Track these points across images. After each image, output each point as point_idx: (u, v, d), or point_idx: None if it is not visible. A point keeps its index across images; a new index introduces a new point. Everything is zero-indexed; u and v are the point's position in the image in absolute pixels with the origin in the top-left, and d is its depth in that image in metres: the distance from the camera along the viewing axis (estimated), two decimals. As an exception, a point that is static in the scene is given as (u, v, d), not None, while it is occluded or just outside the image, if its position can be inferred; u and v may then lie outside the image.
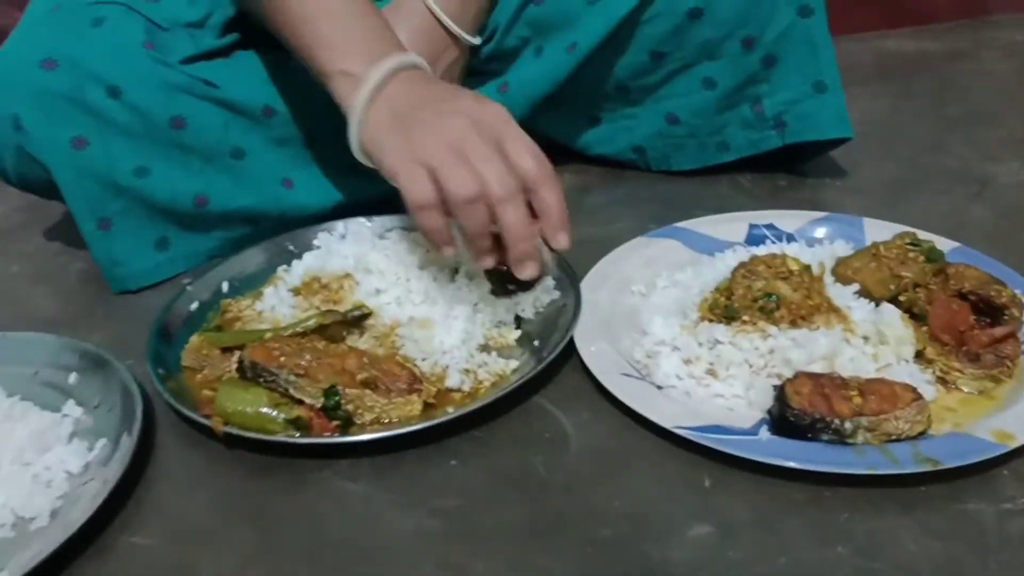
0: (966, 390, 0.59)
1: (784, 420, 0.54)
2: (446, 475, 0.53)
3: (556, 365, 0.61)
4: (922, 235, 0.70)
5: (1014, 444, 0.52)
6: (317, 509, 0.52)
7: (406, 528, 0.50)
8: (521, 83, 0.88)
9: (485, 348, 0.63)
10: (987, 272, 0.66)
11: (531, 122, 0.91)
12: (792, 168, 0.91)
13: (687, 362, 0.61)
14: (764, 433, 0.54)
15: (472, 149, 0.58)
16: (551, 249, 0.61)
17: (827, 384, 0.56)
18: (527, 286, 0.65)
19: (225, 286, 0.73)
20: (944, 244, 0.71)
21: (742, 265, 0.66)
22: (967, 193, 0.85)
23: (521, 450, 0.55)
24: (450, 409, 0.57)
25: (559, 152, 0.95)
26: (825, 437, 0.53)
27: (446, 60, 0.85)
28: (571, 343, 0.62)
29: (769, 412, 0.56)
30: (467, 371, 0.61)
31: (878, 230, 0.74)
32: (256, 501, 0.53)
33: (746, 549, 0.46)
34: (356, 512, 0.51)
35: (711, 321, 0.64)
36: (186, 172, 0.76)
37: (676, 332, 0.63)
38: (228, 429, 0.55)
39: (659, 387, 0.59)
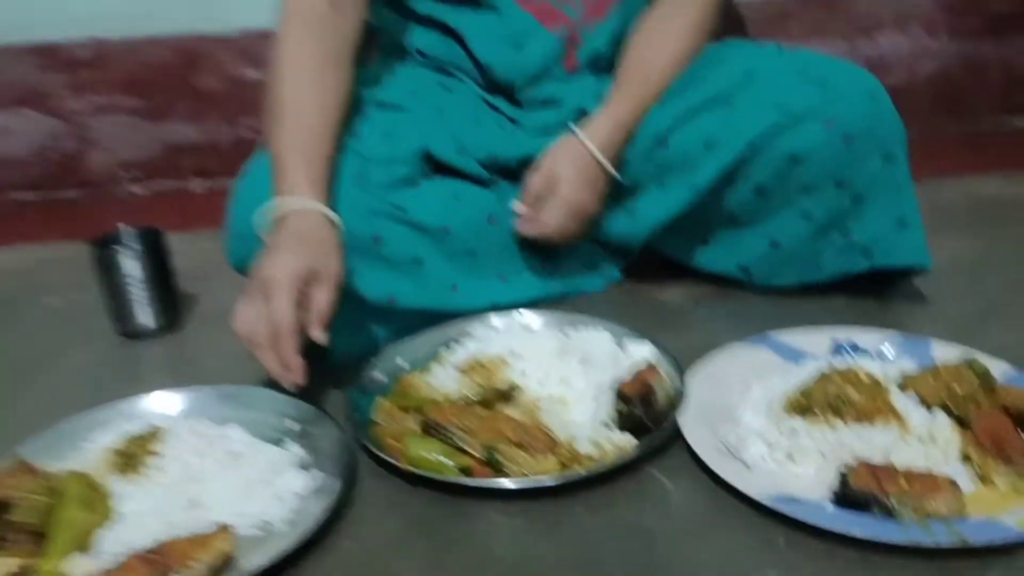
0: (1001, 487, 0.71)
1: (844, 496, 0.68)
2: (576, 518, 0.70)
3: (666, 444, 0.77)
4: (984, 358, 0.82)
5: None
6: (478, 534, 0.69)
7: (546, 552, 0.66)
8: (646, 211, 1.06)
9: (609, 426, 0.80)
10: (1032, 391, 0.78)
11: (653, 242, 1.09)
12: (880, 292, 1.04)
13: (770, 447, 0.75)
14: (828, 506, 0.68)
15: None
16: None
17: (880, 471, 0.69)
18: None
19: (403, 362, 0.92)
20: (1005, 369, 0.83)
21: (821, 373, 0.81)
22: (1024, 324, 0.97)
23: (636, 504, 0.71)
24: (580, 469, 0.74)
25: (676, 268, 1.12)
26: (876, 511, 0.66)
27: (599, 188, 1.04)
28: (679, 427, 0.78)
29: (833, 490, 0.70)
30: (595, 442, 0.77)
31: (945, 352, 0.87)
32: (433, 525, 0.70)
33: None
34: (506, 538, 0.68)
35: (792, 415, 0.78)
36: (382, 276, 0.95)
37: (763, 423, 0.78)
38: (413, 469, 0.74)
39: (747, 465, 0.74)
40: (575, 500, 0.72)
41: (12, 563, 0.67)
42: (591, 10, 1.07)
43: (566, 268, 1.10)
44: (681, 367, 0.86)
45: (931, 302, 1.04)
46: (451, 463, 0.74)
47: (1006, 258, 1.18)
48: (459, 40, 1.09)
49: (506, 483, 0.73)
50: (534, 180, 1.04)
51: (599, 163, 1.03)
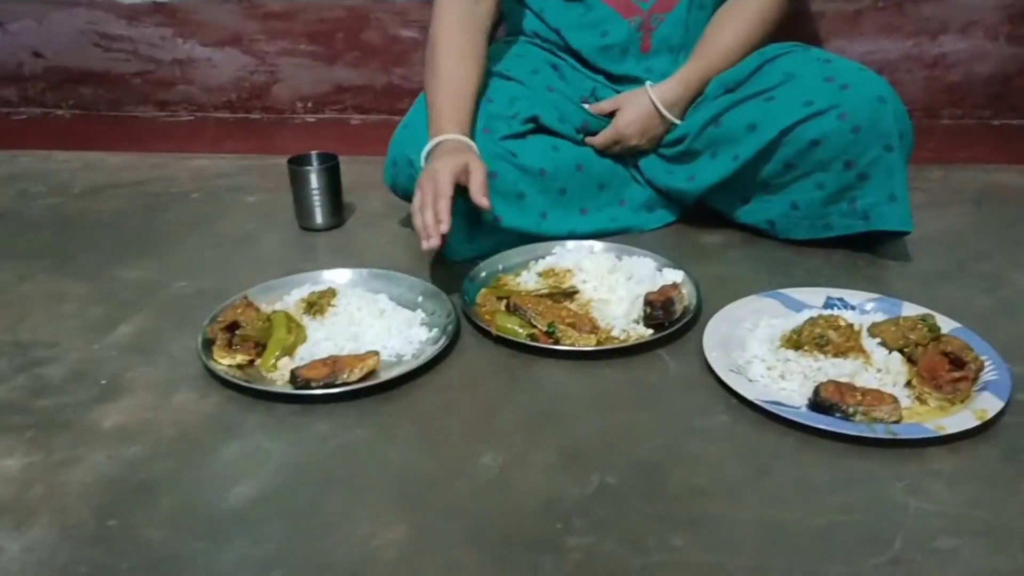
0: (932, 405, 0.97)
1: (816, 403, 0.94)
2: (602, 373, 1.04)
3: (675, 337, 1.10)
4: (938, 315, 1.07)
5: (945, 432, 0.91)
6: (537, 376, 1.04)
7: (579, 392, 1.01)
8: (701, 175, 1.36)
9: (637, 321, 1.13)
10: (966, 341, 1.03)
11: (705, 198, 1.40)
12: (872, 250, 1.32)
13: (769, 368, 1.01)
14: (804, 409, 0.95)
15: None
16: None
17: (844, 387, 0.95)
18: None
19: (501, 266, 1.27)
20: (950, 323, 1.08)
21: (810, 319, 1.06)
22: (983, 288, 1.22)
23: (644, 369, 1.05)
24: (611, 345, 1.08)
25: (720, 218, 1.42)
26: (838, 415, 0.92)
27: (656, 132, 1.38)
28: (700, 348, 1.05)
29: (808, 399, 0.96)
30: (624, 330, 1.11)
31: (911, 309, 1.11)
32: (508, 368, 1.06)
33: (787, 460, 0.89)
34: (555, 380, 1.03)
35: (786, 348, 1.04)
36: (492, 202, 1.29)
37: (765, 351, 1.04)
38: (499, 333, 1.10)
39: (750, 380, 1.00)
40: (604, 364, 1.06)
41: (243, 359, 1.07)
42: (660, 4, 1.39)
43: (633, 209, 1.42)
44: (699, 289, 1.18)
45: (910, 262, 1.31)
46: (524, 332, 1.10)
47: (984, 234, 1.41)
48: (556, 30, 1.42)
49: (560, 347, 1.07)
50: (604, 105, 1.38)
51: (660, 113, 1.36)
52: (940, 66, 1.84)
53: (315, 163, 1.46)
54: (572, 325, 1.09)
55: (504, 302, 1.16)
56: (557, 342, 1.08)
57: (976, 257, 1.32)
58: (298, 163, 1.45)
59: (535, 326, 1.10)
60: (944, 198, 1.51)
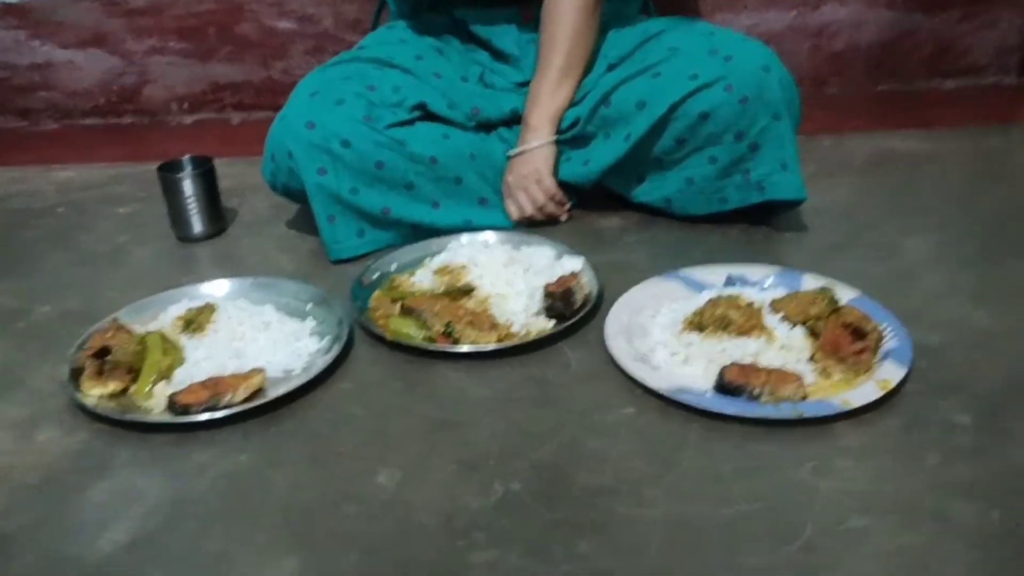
0: (836, 378, 0.95)
1: (721, 387, 0.92)
2: (503, 372, 0.99)
3: (576, 329, 1.06)
4: (838, 286, 1.07)
5: (851, 407, 0.90)
6: (436, 381, 0.99)
7: (478, 395, 0.96)
8: (596, 158, 1.33)
9: (538, 314, 1.09)
10: (864, 311, 1.03)
11: (601, 180, 1.37)
12: (769, 224, 1.31)
13: (672, 354, 0.98)
14: (710, 394, 0.92)
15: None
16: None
17: (748, 368, 0.93)
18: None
19: (394, 266, 1.21)
20: (848, 292, 1.07)
21: (711, 299, 1.04)
22: (877, 257, 1.23)
23: (545, 365, 1.00)
24: (511, 342, 1.03)
25: (617, 200, 1.40)
26: (744, 397, 0.90)
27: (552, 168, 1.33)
28: (602, 338, 1.02)
29: (714, 383, 0.93)
30: (524, 325, 1.06)
31: (811, 281, 1.10)
32: (405, 375, 1.00)
33: (692, 449, 0.87)
34: (454, 383, 0.98)
35: (689, 331, 1.02)
36: (379, 193, 1.24)
37: (668, 336, 1.01)
38: (394, 338, 1.04)
39: (654, 367, 0.97)
40: (504, 362, 1.01)
41: (115, 387, 0.98)
42: None
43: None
44: (599, 275, 1.14)
45: (806, 233, 1.30)
46: (420, 335, 1.04)
47: (874, 202, 1.41)
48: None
49: (459, 348, 1.02)
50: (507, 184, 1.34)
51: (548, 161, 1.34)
52: (824, 35, 1.86)
53: (188, 168, 1.37)
54: (471, 324, 1.04)
55: (399, 304, 1.10)
56: (456, 343, 1.03)
57: (868, 225, 1.33)
58: (170, 169, 1.36)
59: (432, 328, 1.05)
60: (835, 167, 1.52)
